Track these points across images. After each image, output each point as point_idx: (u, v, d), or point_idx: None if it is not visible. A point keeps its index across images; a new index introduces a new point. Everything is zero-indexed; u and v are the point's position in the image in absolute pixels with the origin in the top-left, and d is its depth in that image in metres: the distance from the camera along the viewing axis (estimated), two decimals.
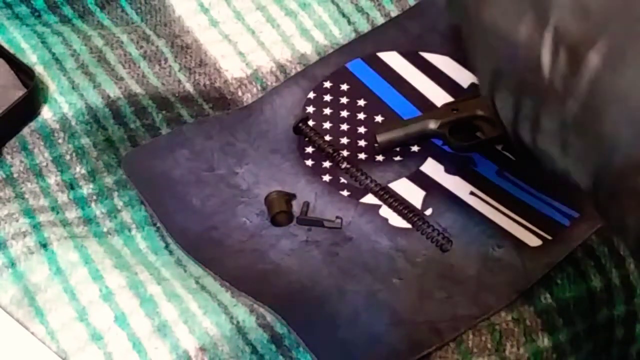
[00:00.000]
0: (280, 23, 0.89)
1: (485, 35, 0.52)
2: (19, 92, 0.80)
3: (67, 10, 0.90)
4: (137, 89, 0.83)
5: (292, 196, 0.76)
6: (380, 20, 0.89)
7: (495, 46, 0.52)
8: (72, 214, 0.76)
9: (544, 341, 0.70)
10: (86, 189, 0.77)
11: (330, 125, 0.81)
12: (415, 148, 0.80)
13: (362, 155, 0.79)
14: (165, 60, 0.86)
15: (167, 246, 0.75)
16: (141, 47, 0.86)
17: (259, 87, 0.84)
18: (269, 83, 0.85)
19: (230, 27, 0.89)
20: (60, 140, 0.79)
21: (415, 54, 0.85)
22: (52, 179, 0.77)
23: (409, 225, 0.74)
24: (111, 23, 0.89)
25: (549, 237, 0.73)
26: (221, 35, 0.88)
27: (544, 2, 0.49)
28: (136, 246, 0.74)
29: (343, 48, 0.86)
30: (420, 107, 0.82)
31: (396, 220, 0.75)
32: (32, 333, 0.68)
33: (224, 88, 0.85)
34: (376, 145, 0.79)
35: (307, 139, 0.80)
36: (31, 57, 0.84)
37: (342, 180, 0.78)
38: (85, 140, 0.79)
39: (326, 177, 0.78)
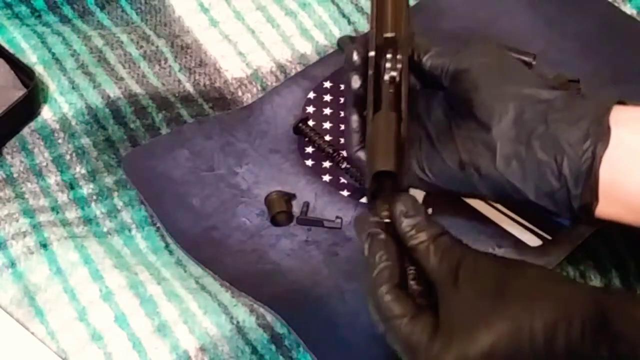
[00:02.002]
0: (280, 23, 0.89)
1: None
2: (19, 92, 0.80)
3: (67, 10, 0.90)
4: (137, 89, 0.83)
5: (292, 196, 0.76)
6: None
7: None
8: (72, 214, 0.76)
9: None
10: (86, 189, 0.77)
11: (330, 125, 0.81)
12: None
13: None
14: (165, 60, 0.86)
15: (167, 246, 0.75)
16: (141, 47, 0.86)
17: (259, 87, 0.84)
18: (269, 83, 0.85)
19: (230, 27, 0.89)
20: (60, 140, 0.79)
21: None
22: (52, 179, 0.77)
23: None
24: (111, 23, 0.89)
25: (549, 237, 0.73)
26: (221, 35, 0.88)
27: None
28: (136, 246, 0.74)
29: None
30: None
31: None
32: (32, 333, 0.68)
33: (224, 88, 0.85)
34: None
35: (307, 139, 0.80)
36: (31, 57, 0.84)
37: (342, 180, 0.78)
38: (85, 140, 0.79)
39: (326, 177, 0.78)
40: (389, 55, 0.64)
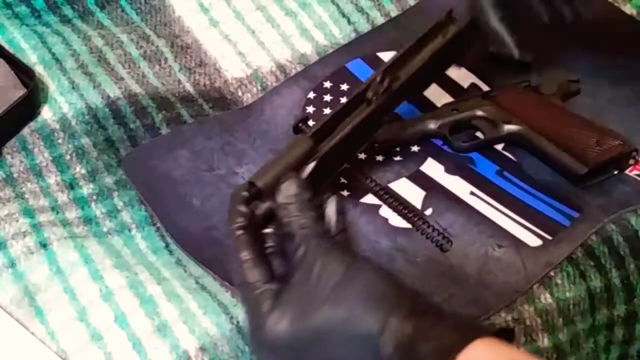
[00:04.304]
0: (280, 23, 0.89)
1: None
2: (19, 92, 0.80)
3: (67, 10, 0.90)
4: (137, 89, 0.83)
5: None
6: (380, 20, 0.89)
7: None
8: (72, 214, 0.76)
9: (544, 341, 0.70)
10: (86, 189, 0.77)
11: None
12: (415, 148, 0.80)
13: (362, 155, 0.79)
14: (165, 60, 0.86)
15: (167, 246, 0.75)
16: (141, 47, 0.86)
17: (259, 87, 0.84)
18: (269, 83, 0.85)
19: (230, 27, 0.89)
20: (60, 140, 0.79)
21: None
22: (52, 179, 0.77)
23: (409, 225, 0.74)
24: (111, 23, 0.89)
25: (549, 237, 0.73)
26: (221, 35, 0.88)
27: None
28: (136, 246, 0.74)
29: (343, 48, 0.86)
30: (420, 107, 0.82)
31: (396, 220, 0.75)
32: (32, 333, 0.68)
33: (224, 88, 0.85)
34: (376, 145, 0.79)
35: None
36: (31, 57, 0.84)
37: (342, 180, 0.78)
38: (85, 140, 0.79)
39: None
40: (378, 78, 0.72)
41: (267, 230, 0.63)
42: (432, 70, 0.76)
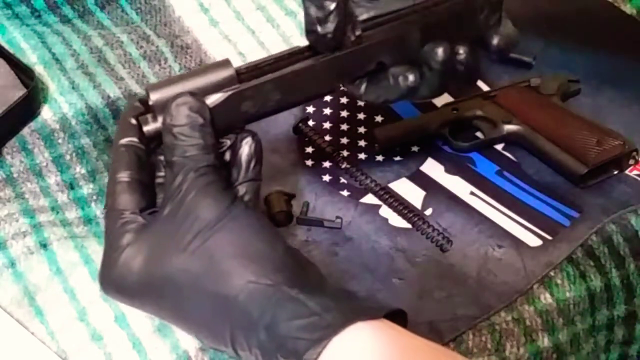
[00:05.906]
0: (280, 23, 0.89)
1: None
2: (19, 92, 0.80)
3: (67, 10, 0.90)
4: (137, 89, 0.83)
5: (292, 196, 0.76)
6: None
7: None
8: (72, 214, 0.76)
9: (544, 341, 0.70)
10: (86, 189, 0.77)
11: (330, 125, 0.81)
12: (415, 148, 0.80)
13: (362, 155, 0.79)
14: (165, 60, 0.86)
15: None
16: (141, 47, 0.86)
17: None
18: None
19: (230, 27, 0.89)
20: (60, 140, 0.79)
21: None
22: (52, 179, 0.77)
23: (409, 225, 0.74)
24: (111, 23, 0.89)
25: (549, 237, 0.73)
26: (221, 35, 0.88)
27: None
28: None
29: None
30: (420, 107, 0.82)
31: (396, 220, 0.75)
32: (32, 333, 0.68)
33: None
34: (376, 145, 0.79)
35: (307, 139, 0.80)
36: (31, 57, 0.84)
37: (342, 180, 0.78)
38: (85, 140, 0.79)
39: (326, 177, 0.78)
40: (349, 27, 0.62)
41: (162, 157, 0.56)
42: (412, 45, 0.63)
